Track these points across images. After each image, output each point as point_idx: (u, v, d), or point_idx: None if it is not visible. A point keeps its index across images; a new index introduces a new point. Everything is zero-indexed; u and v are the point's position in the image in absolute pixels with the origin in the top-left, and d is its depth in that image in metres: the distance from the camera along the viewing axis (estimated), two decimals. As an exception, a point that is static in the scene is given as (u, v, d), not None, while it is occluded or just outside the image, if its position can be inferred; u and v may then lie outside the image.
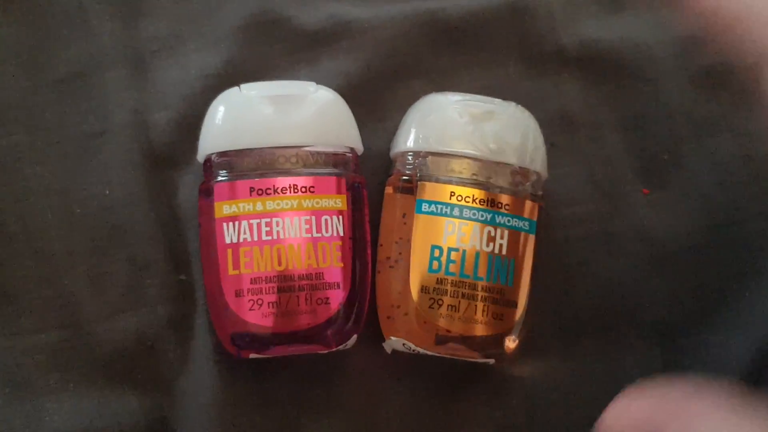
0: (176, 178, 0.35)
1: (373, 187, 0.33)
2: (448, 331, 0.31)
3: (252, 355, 0.31)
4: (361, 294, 0.31)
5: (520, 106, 0.33)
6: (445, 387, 0.34)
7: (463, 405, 0.34)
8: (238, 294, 0.30)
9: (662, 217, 0.36)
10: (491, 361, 0.32)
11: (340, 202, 0.31)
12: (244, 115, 0.31)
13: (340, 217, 0.31)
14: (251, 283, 0.30)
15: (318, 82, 0.32)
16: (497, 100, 0.32)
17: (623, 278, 0.35)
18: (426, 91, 0.35)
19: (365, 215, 0.32)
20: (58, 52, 0.35)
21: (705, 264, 0.35)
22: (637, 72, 0.37)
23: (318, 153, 0.31)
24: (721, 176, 0.36)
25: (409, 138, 0.32)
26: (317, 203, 0.31)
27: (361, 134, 0.33)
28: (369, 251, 0.32)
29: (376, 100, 0.36)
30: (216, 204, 0.31)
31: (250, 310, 0.30)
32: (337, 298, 0.31)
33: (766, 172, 0.36)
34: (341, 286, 0.31)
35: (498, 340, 0.31)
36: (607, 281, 0.35)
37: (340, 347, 0.31)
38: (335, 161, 0.32)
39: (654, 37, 0.38)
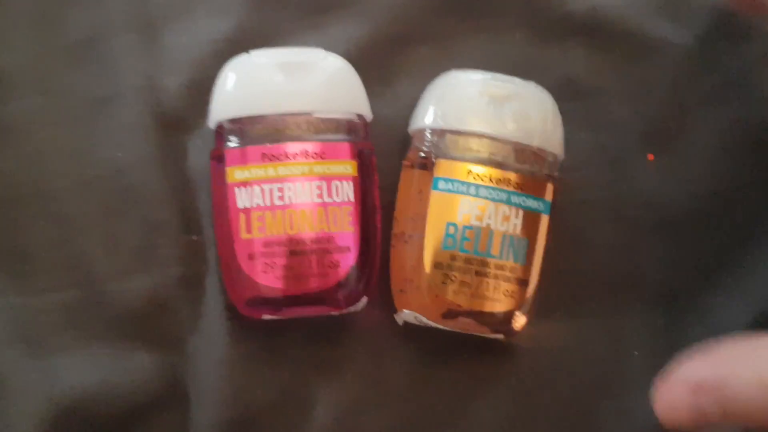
0: (186, 142, 0.35)
1: (381, 153, 0.33)
2: (459, 306, 0.31)
3: (265, 316, 0.32)
4: (371, 258, 0.32)
5: (539, 86, 0.32)
6: (453, 348, 0.34)
7: (471, 365, 0.34)
8: (251, 257, 0.30)
9: (666, 183, 0.36)
10: (500, 336, 0.32)
11: (350, 167, 0.31)
12: (255, 81, 0.31)
13: (351, 182, 0.31)
14: (264, 246, 0.30)
15: (325, 48, 0.32)
16: (517, 80, 0.32)
17: (627, 242, 0.35)
18: (433, 57, 0.35)
19: (375, 181, 0.33)
20: (70, 16, 0.35)
21: (707, 229, 0.36)
22: (644, 39, 0.37)
23: (328, 119, 0.31)
24: (724, 143, 0.36)
25: (428, 115, 0.32)
26: (328, 169, 0.31)
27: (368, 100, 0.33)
28: (379, 216, 0.33)
29: (384, 66, 0.36)
30: (228, 169, 0.31)
31: (262, 272, 0.30)
32: (347, 261, 0.31)
33: None
34: (351, 249, 0.31)
35: (508, 316, 0.32)
36: (611, 245, 0.35)
37: (351, 309, 0.32)
38: (345, 128, 0.32)
39: (661, 5, 0.37)
